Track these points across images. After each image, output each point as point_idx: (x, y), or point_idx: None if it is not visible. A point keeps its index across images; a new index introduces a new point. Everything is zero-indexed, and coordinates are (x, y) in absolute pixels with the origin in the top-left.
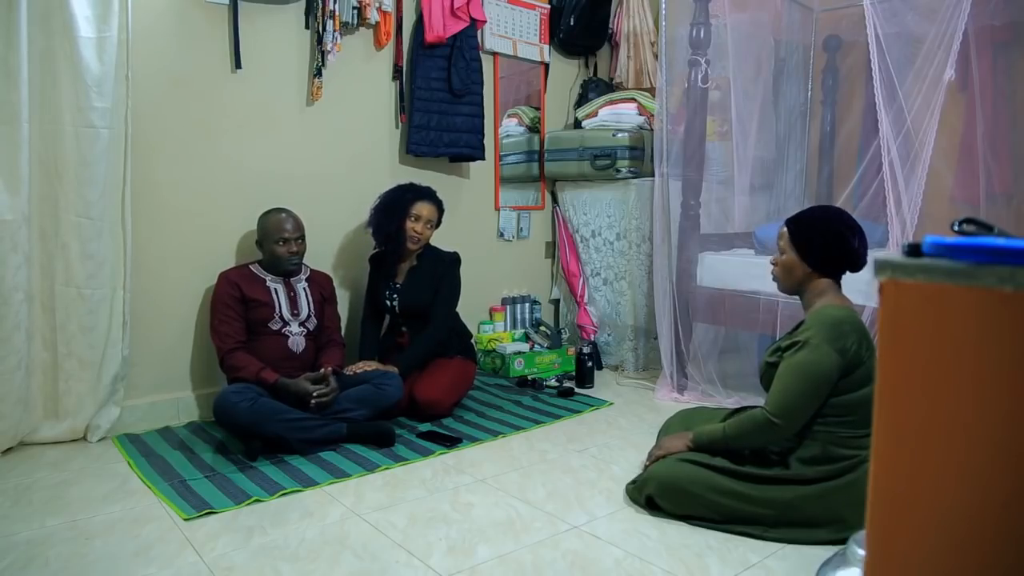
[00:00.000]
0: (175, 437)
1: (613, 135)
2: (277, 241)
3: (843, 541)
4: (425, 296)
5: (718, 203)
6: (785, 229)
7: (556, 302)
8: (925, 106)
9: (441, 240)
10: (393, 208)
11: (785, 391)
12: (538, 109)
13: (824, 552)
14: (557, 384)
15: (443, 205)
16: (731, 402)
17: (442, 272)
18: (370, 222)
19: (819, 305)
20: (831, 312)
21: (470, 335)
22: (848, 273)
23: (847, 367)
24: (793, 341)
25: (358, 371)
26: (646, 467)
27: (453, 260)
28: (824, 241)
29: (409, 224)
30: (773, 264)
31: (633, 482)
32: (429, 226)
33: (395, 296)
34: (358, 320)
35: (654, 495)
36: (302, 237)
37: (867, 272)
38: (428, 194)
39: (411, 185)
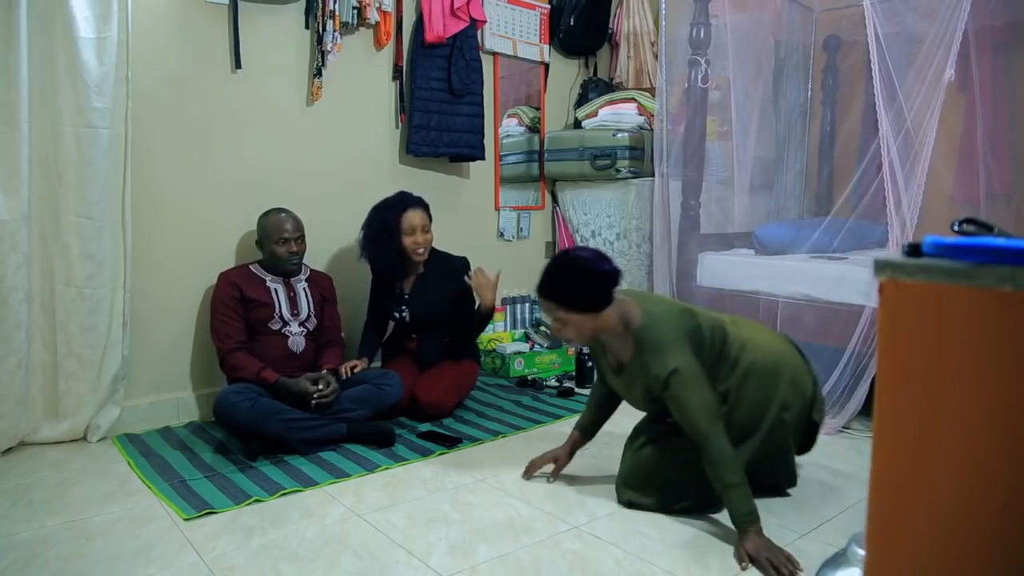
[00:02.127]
0: (175, 437)
1: (613, 135)
2: (277, 241)
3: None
4: (437, 305)
5: (718, 203)
6: (548, 302)
7: None
8: (925, 106)
9: (441, 240)
10: (383, 234)
11: (696, 414)
12: (538, 109)
13: (824, 552)
14: (557, 384)
15: (424, 201)
16: None
17: (454, 280)
18: (364, 255)
19: (635, 327)
20: (654, 332)
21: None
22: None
23: (702, 350)
24: (660, 382)
25: (351, 371)
26: None
27: (464, 265)
28: (586, 285)
29: (407, 241)
30: (560, 333)
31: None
32: (426, 231)
33: (404, 308)
34: (358, 320)
35: (629, 496)
36: (302, 237)
37: (867, 272)
38: (409, 201)
39: (385, 202)
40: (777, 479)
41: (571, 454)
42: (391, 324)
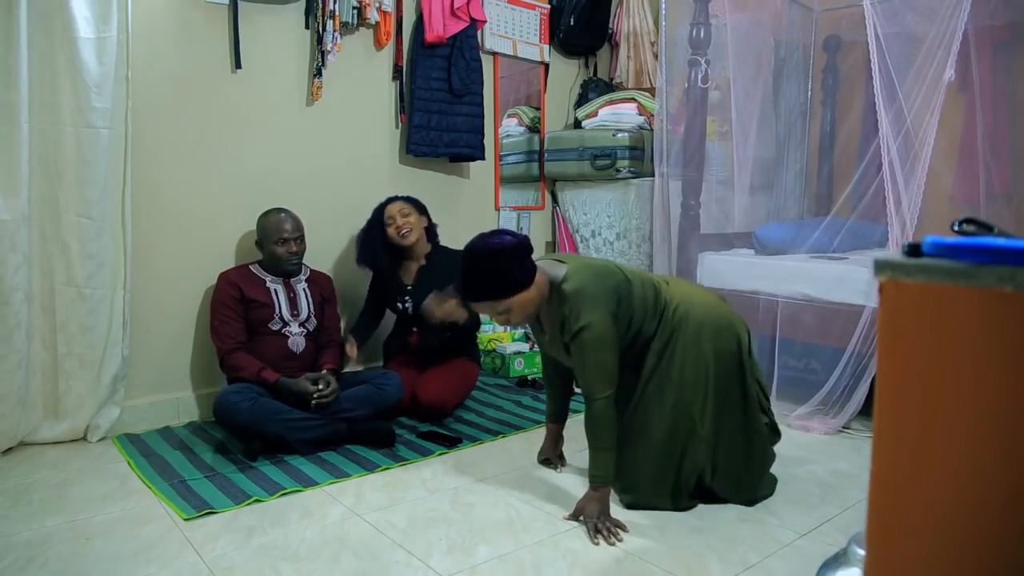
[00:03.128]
0: (175, 437)
1: (613, 135)
2: (276, 241)
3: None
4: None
5: (718, 203)
6: (485, 303)
7: None
8: (925, 106)
9: (441, 240)
10: (371, 229)
11: (592, 372)
12: (538, 109)
13: (824, 552)
14: None
15: (414, 198)
16: None
17: (455, 271)
18: (359, 259)
19: (558, 282)
20: (574, 282)
21: (476, 337)
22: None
23: (631, 302)
24: (570, 332)
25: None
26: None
27: None
28: (508, 267)
29: (390, 231)
30: (508, 322)
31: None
32: (405, 215)
33: (407, 298)
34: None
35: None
36: (301, 237)
37: (867, 272)
38: (390, 200)
39: (377, 206)
40: (753, 479)
41: (556, 446)
42: (395, 318)
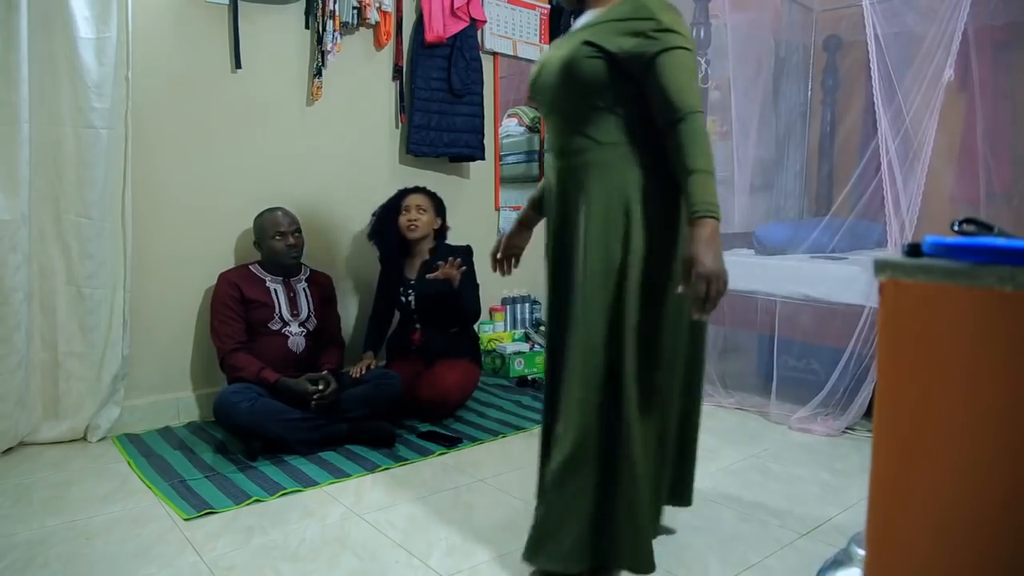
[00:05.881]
0: (175, 437)
1: None
2: (274, 236)
3: None
4: (439, 285)
5: None
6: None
7: None
8: (924, 106)
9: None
10: (386, 212)
11: (689, 82)
12: (538, 109)
13: (824, 552)
14: None
15: (437, 196)
16: (731, 402)
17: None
18: (370, 234)
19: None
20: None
21: (478, 337)
22: None
23: None
24: (651, 31)
25: (362, 372)
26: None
27: (467, 249)
28: None
29: (402, 219)
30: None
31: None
32: (421, 211)
33: (410, 291)
34: (358, 320)
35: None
36: (298, 231)
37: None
38: (416, 188)
39: (402, 189)
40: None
41: (525, 229)
42: (397, 314)
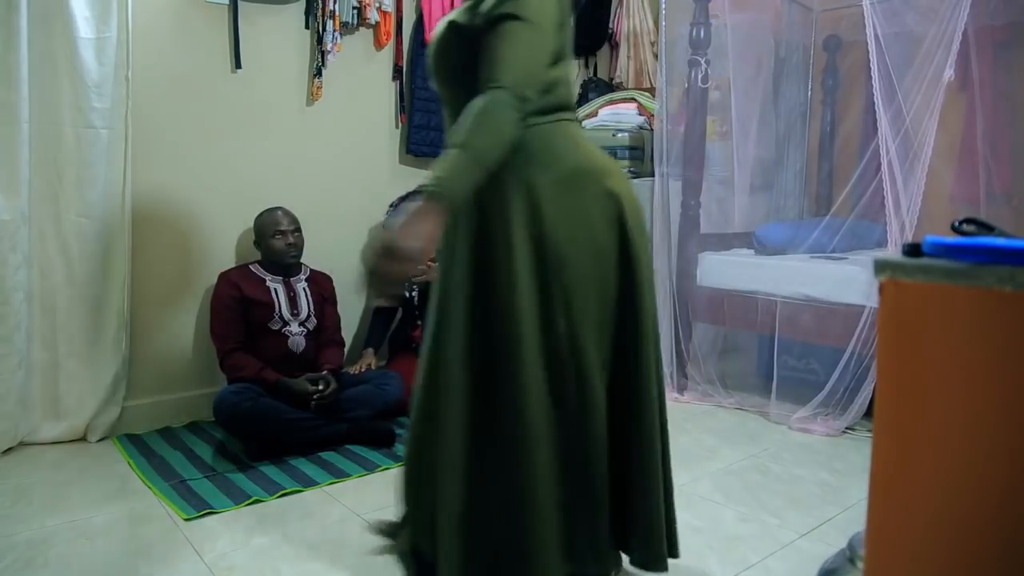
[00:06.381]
0: (175, 437)
1: (613, 135)
2: (274, 235)
3: None
4: None
5: (718, 203)
6: None
7: None
8: (924, 106)
9: None
10: (401, 204)
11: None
12: None
13: (824, 552)
14: None
15: None
16: (731, 402)
17: None
18: (384, 223)
19: None
20: None
21: None
22: None
23: None
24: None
25: (362, 370)
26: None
27: None
28: None
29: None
30: None
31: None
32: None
33: (414, 286)
34: (358, 320)
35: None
36: (298, 229)
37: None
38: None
39: (415, 189)
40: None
41: None
42: (399, 312)
